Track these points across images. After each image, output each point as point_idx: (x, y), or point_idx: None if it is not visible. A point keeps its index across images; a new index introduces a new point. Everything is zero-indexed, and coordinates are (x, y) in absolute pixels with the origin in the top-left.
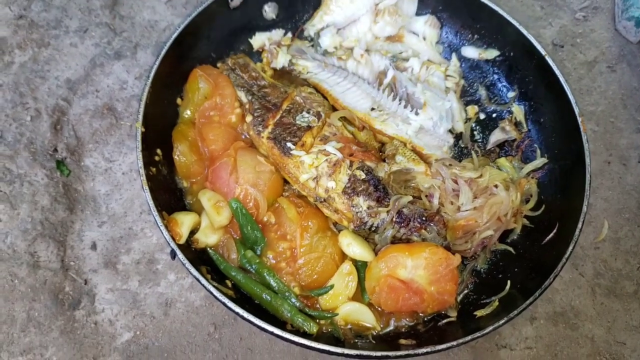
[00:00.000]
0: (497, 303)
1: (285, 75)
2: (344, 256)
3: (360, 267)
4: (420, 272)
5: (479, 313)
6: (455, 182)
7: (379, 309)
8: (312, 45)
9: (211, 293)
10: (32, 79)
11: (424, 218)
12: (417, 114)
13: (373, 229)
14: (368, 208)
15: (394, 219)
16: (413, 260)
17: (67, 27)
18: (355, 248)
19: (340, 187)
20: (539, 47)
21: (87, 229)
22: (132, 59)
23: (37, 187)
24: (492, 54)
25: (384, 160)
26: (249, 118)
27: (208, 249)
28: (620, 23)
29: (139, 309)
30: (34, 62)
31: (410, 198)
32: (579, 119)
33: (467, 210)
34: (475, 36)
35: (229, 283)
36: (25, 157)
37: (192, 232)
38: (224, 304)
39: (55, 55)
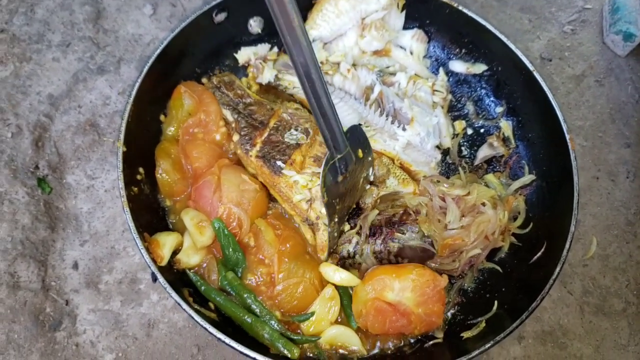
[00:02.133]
0: (484, 324)
1: (271, 91)
2: (323, 280)
3: (343, 293)
4: (407, 294)
5: (466, 334)
6: (443, 199)
7: (365, 331)
8: None
9: (192, 317)
10: (13, 95)
11: (393, 221)
12: (404, 129)
13: (350, 254)
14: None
15: (367, 236)
16: (400, 283)
17: (50, 41)
18: (341, 274)
19: None
20: (526, 62)
21: (69, 248)
22: (116, 74)
23: (17, 206)
24: (480, 68)
25: (371, 183)
26: (235, 137)
27: (188, 271)
28: (608, 37)
29: (121, 330)
30: (15, 77)
31: (377, 212)
32: (567, 137)
33: (454, 229)
34: (463, 50)
35: (212, 305)
36: (6, 174)
37: (175, 252)
38: (205, 328)
39: (37, 70)
